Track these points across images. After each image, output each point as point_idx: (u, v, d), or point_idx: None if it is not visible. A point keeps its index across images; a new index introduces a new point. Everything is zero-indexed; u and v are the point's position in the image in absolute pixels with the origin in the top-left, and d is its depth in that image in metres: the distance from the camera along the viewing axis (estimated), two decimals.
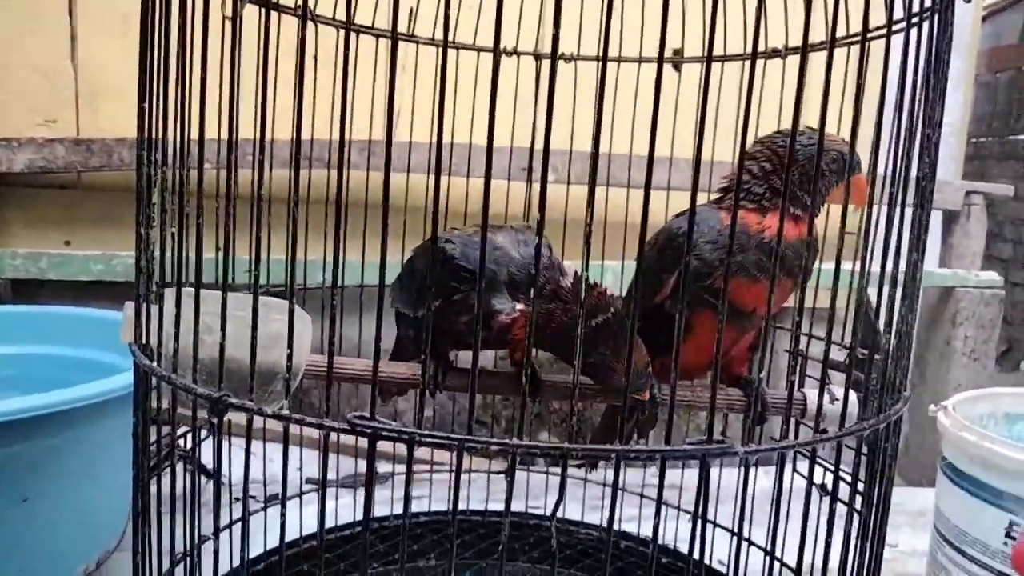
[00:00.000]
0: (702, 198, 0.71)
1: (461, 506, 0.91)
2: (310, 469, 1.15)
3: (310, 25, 0.64)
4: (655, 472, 0.66)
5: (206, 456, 0.59)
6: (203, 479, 0.67)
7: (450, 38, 0.84)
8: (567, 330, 0.56)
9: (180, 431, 0.51)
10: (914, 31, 0.48)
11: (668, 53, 0.85)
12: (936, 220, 1.78)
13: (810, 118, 0.48)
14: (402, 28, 0.88)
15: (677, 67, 0.94)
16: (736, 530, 0.42)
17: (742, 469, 0.48)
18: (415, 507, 0.89)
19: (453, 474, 0.37)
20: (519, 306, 0.58)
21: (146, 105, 0.46)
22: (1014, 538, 0.80)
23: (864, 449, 0.51)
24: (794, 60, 0.77)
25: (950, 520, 0.87)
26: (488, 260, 0.56)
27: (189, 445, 0.58)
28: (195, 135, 0.46)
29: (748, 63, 0.40)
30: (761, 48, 0.74)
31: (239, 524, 0.73)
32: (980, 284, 1.68)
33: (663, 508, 0.41)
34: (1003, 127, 3.87)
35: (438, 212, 0.38)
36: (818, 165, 0.45)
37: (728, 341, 0.68)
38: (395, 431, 0.35)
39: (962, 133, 2.11)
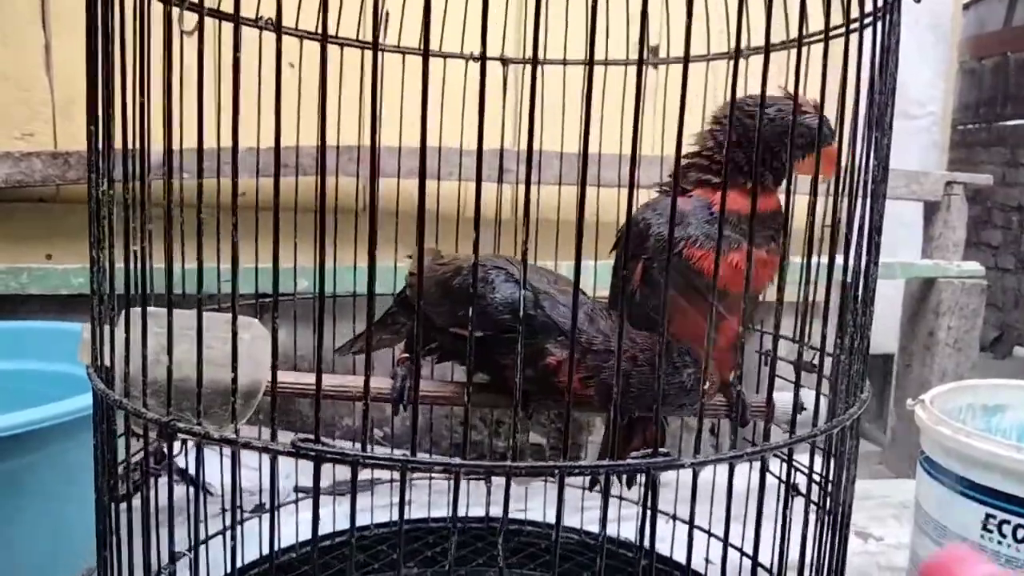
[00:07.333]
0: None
1: (437, 513, 0.91)
2: (303, 478, 1.15)
3: (275, 36, 0.64)
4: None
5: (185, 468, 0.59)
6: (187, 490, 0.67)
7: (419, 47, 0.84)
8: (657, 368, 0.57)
9: (139, 452, 0.50)
10: (867, 32, 0.48)
11: (638, 51, 0.85)
12: (917, 211, 1.77)
13: None
14: (371, 36, 0.88)
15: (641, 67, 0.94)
16: (707, 528, 0.42)
17: (719, 470, 0.48)
18: (396, 516, 0.89)
19: (399, 492, 0.37)
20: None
21: (94, 128, 0.45)
22: (991, 531, 0.80)
23: (828, 449, 0.51)
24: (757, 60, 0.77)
25: (929, 514, 0.87)
26: (550, 311, 0.60)
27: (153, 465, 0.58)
28: (157, 147, 0.45)
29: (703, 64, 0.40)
30: (723, 49, 0.74)
31: (212, 540, 0.73)
32: (962, 274, 1.68)
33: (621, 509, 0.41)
34: (990, 113, 3.89)
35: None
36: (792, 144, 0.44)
37: (703, 330, 0.67)
38: (339, 454, 0.35)
39: (945, 122, 2.11)
